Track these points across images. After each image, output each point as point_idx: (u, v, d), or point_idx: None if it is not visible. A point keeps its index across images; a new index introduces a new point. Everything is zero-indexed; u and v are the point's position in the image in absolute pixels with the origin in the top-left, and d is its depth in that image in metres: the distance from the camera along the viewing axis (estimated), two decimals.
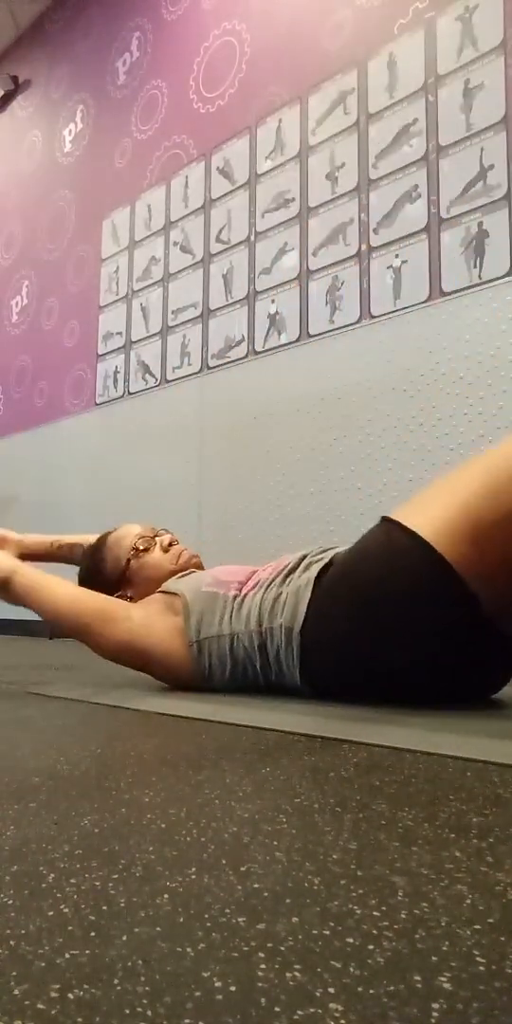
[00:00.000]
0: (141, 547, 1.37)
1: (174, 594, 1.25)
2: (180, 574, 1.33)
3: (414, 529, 0.98)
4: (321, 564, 1.12)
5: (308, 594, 1.09)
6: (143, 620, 1.21)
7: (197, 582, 1.24)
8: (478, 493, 0.95)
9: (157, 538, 1.41)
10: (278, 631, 1.11)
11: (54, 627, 1.23)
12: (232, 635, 1.16)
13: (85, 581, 1.39)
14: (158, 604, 1.25)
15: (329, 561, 1.13)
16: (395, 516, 1.03)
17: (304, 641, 1.07)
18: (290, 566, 1.18)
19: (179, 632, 1.20)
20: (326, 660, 1.07)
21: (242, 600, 1.18)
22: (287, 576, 1.16)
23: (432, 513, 0.98)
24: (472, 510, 0.94)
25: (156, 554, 1.38)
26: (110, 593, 1.33)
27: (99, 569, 1.39)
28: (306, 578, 1.11)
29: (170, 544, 1.40)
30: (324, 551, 1.19)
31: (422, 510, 1.00)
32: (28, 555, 1.48)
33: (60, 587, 1.23)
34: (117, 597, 1.33)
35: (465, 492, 0.96)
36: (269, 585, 1.17)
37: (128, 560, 1.37)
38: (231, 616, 1.17)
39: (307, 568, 1.15)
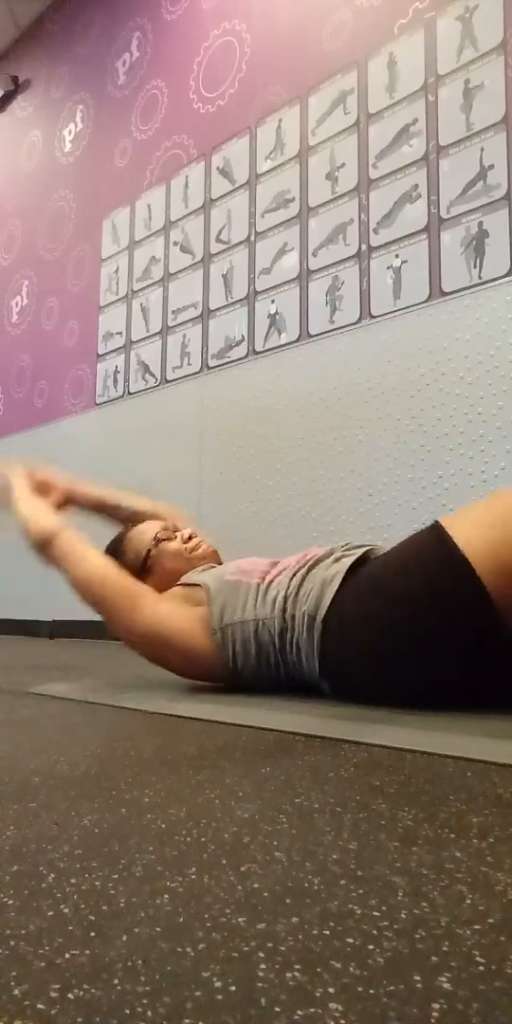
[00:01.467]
0: (162, 537, 1.39)
1: (196, 585, 1.25)
2: (200, 568, 1.33)
3: (463, 546, 0.96)
4: (354, 558, 1.11)
5: (335, 585, 1.08)
6: (168, 609, 1.21)
7: (220, 572, 1.25)
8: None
9: (177, 532, 1.43)
10: (301, 618, 1.10)
11: (80, 597, 1.24)
12: (256, 620, 1.16)
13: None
14: (180, 597, 1.26)
15: (362, 556, 1.13)
16: (449, 525, 1.00)
17: (325, 631, 1.07)
18: (317, 557, 1.18)
19: (202, 621, 1.19)
20: (345, 656, 1.06)
21: (267, 587, 1.18)
22: (314, 566, 1.16)
23: (483, 536, 0.96)
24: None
25: (176, 544, 1.40)
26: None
27: (119, 560, 1.39)
28: (336, 570, 1.11)
29: (190, 537, 1.42)
30: (355, 547, 1.18)
31: (475, 528, 0.98)
32: (74, 503, 1.48)
33: (96, 561, 1.23)
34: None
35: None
36: (295, 573, 1.17)
37: (149, 550, 1.38)
38: (256, 602, 1.17)
39: (337, 560, 1.14)
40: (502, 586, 0.93)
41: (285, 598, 1.14)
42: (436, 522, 1.03)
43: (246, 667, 1.18)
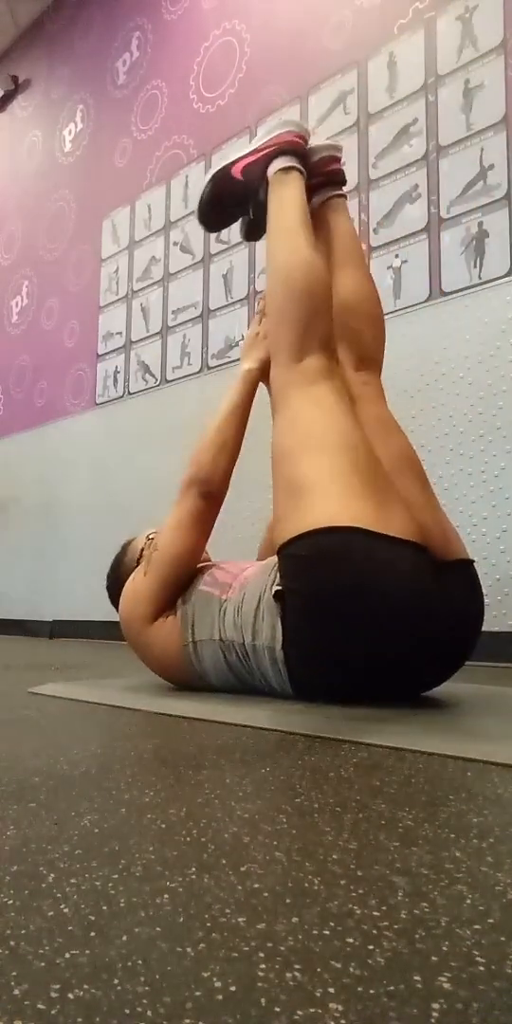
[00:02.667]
0: (152, 536, 1.40)
1: None
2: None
3: (305, 529, 1.00)
4: (277, 586, 1.08)
5: (279, 616, 1.06)
6: (154, 620, 1.23)
7: (198, 578, 1.25)
8: (317, 467, 1.03)
9: None
10: (262, 650, 1.09)
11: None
12: (222, 641, 1.16)
13: (110, 578, 1.43)
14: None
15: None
16: (285, 538, 1.04)
17: (288, 656, 1.06)
18: (268, 573, 1.13)
19: (175, 630, 1.20)
20: (313, 670, 1.06)
21: (227, 607, 1.16)
22: (264, 584, 1.12)
23: (306, 511, 1.02)
24: (330, 480, 1.01)
25: None
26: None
27: (117, 564, 1.43)
28: (276, 591, 1.08)
29: None
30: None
31: (298, 516, 1.03)
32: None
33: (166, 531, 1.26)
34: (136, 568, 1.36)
35: (311, 475, 1.03)
36: (245, 597, 1.14)
37: (142, 550, 1.40)
38: (222, 621, 1.16)
39: (276, 574, 1.10)
40: (346, 514, 0.98)
41: (243, 625, 1.12)
42: (278, 551, 1.07)
43: (218, 679, 1.19)
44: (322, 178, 1.38)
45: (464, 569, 1.06)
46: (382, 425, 1.17)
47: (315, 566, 1.01)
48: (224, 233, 2.95)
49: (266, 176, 1.33)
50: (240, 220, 1.54)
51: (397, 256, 2.32)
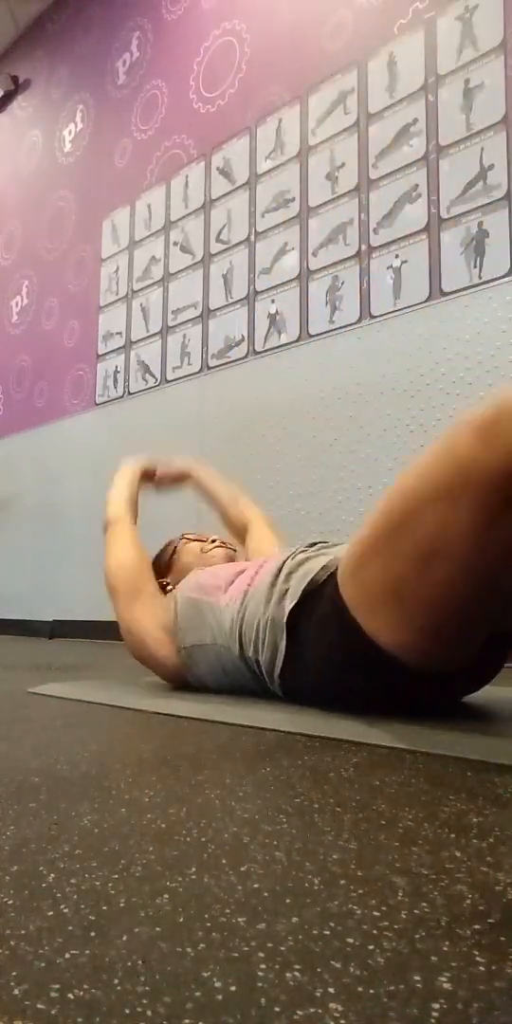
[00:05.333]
0: (190, 537, 1.47)
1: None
2: (192, 573, 1.33)
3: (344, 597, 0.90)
4: (296, 593, 1.01)
5: (284, 641, 1.02)
6: (148, 616, 1.25)
7: (186, 584, 1.25)
8: (373, 559, 0.85)
9: (204, 535, 1.50)
10: (262, 664, 1.08)
11: (106, 584, 1.34)
12: (217, 646, 1.15)
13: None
14: (168, 601, 1.27)
15: (301, 597, 1.01)
16: (345, 580, 0.91)
17: (284, 677, 1.05)
18: (271, 575, 1.10)
19: (170, 639, 1.22)
20: (310, 699, 1.03)
21: (224, 611, 1.15)
22: (266, 596, 1.08)
23: (353, 581, 0.89)
24: (378, 578, 0.84)
25: (193, 545, 1.46)
26: (158, 579, 1.40)
27: (158, 558, 1.47)
28: (280, 615, 1.03)
29: (212, 541, 1.47)
30: (307, 554, 1.11)
31: (351, 572, 0.90)
32: (203, 491, 1.59)
33: (122, 553, 1.32)
34: (159, 582, 1.38)
35: (367, 560, 0.86)
36: (248, 606, 1.11)
37: (175, 546, 1.46)
38: (217, 627, 1.15)
39: (283, 593, 1.05)
40: (374, 625, 0.86)
41: (242, 635, 1.10)
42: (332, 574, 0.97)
43: (215, 682, 1.19)
44: None
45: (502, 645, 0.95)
46: None
47: (343, 643, 0.91)
48: (224, 233, 2.95)
49: None
50: None
51: (397, 256, 2.32)
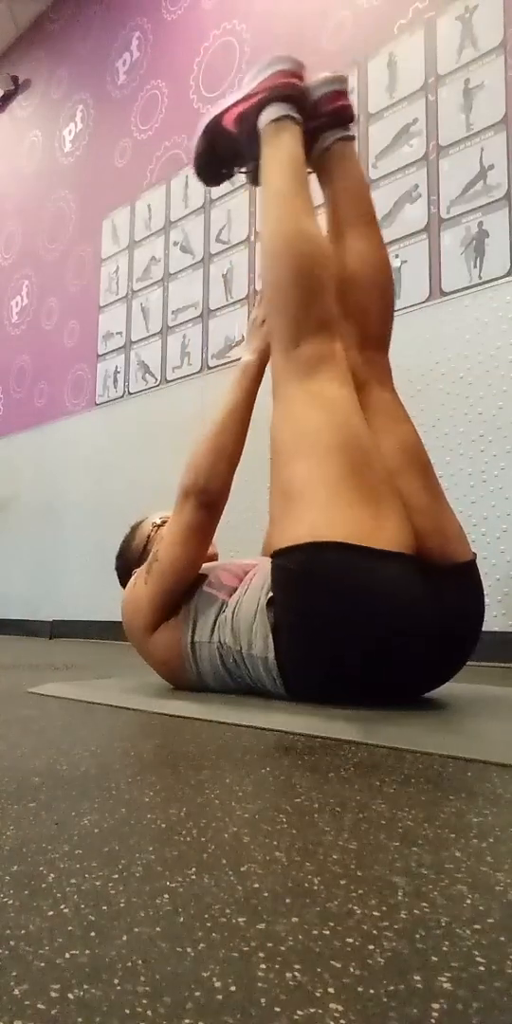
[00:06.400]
0: (159, 523, 1.42)
1: None
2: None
3: (294, 542, 0.99)
4: (268, 593, 1.07)
5: (270, 626, 1.05)
6: (156, 628, 1.23)
7: (201, 579, 1.24)
8: (307, 473, 0.99)
9: None
10: (256, 659, 1.09)
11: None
12: (221, 644, 1.16)
13: (118, 560, 1.44)
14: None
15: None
16: (276, 547, 1.03)
17: (281, 666, 1.06)
18: (265, 579, 1.12)
19: (177, 630, 1.20)
20: (307, 680, 1.05)
21: (226, 611, 1.16)
22: (259, 593, 1.11)
23: (294, 522, 1.00)
24: (319, 487, 0.98)
25: None
26: (133, 569, 1.37)
27: (126, 548, 1.44)
28: (269, 600, 1.07)
29: None
30: None
31: (284, 526, 1.02)
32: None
33: (199, 549, 1.20)
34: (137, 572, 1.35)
35: (301, 481, 1.00)
36: (242, 603, 1.13)
37: (149, 536, 1.41)
38: (220, 626, 1.16)
39: (270, 584, 1.10)
40: (345, 522, 0.96)
41: (240, 632, 1.11)
42: (271, 557, 1.06)
43: (216, 681, 1.19)
44: (325, 119, 1.19)
45: (462, 572, 1.04)
46: (387, 413, 1.11)
47: (300, 583, 0.99)
48: (224, 233, 2.95)
49: (257, 129, 1.17)
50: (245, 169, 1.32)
51: (397, 256, 2.32)
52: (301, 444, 1.03)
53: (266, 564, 1.15)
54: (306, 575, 0.98)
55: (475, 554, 1.07)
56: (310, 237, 1.08)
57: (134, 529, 1.46)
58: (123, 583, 1.39)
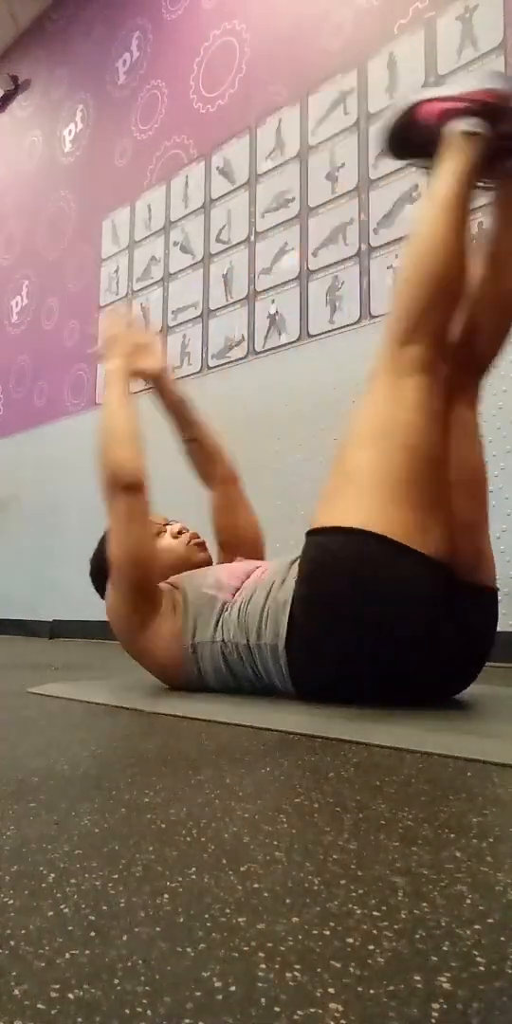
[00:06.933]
0: (154, 532, 1.38)
1: (177, 588, 1.26)
2: (192, 572, 1.32)
3: (341, 524, 1.01)
4: (294, 579, 1.10)
5: (287, 612, 1.07)
6: (152, 625, 1.22)
7: (201, 580, 1.24)
8: (374, 464, 1.01)
9: (167, 526, 1.44)
10: (265, 649, 1.10)
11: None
12: (224, 643, 1.16)
13: (97, 568, 1.39)
14: (165, 602, 1.25)
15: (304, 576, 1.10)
16: (319, 524, 1.05)
17: (291, 656, 1.07)
18: (277, 574, 1.16)
19: (176, 633, 1.20)
20: (315, 672, 1.06)
21: (231, 609, 1.17)
22: (270, 588, 1.14)
23: (348, 504, 1.02)
24: (380, 482, 1.00)
25: (168, 539, 1.40)
26: None
27: (102, 556, 1.38)
28: (284, 594, 1.10)
29: (180, 532, 1.42)
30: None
31: (337, 506, 1.04)
32: (167, 403, 1.56)
33: (140, 542, 1.20)
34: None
35: (362, 471, 1.02)
36: (252, 597, 1.15)
37: None
38: (223, 624, 1.17)
39: (285, 577, 1.13)
40: (393, 521, 0.97)
41: (248, 625, 1.13)
42: (310, 531, 1.08)
43: (218, 681, 1.19)
44: None
45: (485, 596, 1.06)
46: (464, 429, 1.14)
47: (330, 563, 1.02)
48: (224, 233, 2.95)
49: (445, 128, 1.17)
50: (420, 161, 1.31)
51: (397, 256, 2.32)
52: (377, 435, 1.05)
53: (282, 562, 1.18)
54: (341, 558, 1.01)
55: (498, 588, 1.09)
56: (456, 252, 1.11)
57: (104, 541, 1.41)
58: (100, 591, 1.35)
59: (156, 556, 1.25)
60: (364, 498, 1.01)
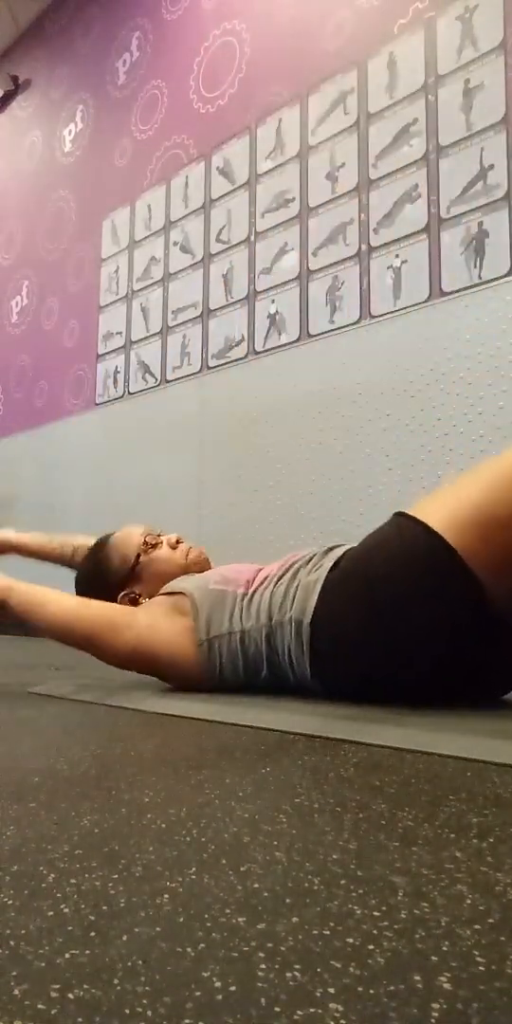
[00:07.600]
0: (151, 543, 1.38)
1: (180, 593, 1.24)
2: (184, 576, 1.33)
3: (423, 519, 1.00)
4: (333, 560, 1.12)
5: (319, 588, 1.09)
6: (149, 624, 1.20)
7: (204, 580, 1.24)
8: (485, 491, 0.98)
9: (162, 536, 1.42)
10: (288, 624, 1.10)
11: (60, 640, 1.23)
12: (242, 632, 1.16)
13: (86, 584, 1.39)
14: (163, 606, 1.24)
15: (341, 556, 1.13)
16: (408, 511, 1.06)
17: (314, 633, 1.07)
18: (299, 563, 1.18)
19: (188, 632, 1.18)
20: (336, 654, 1.07)
21: (251, 597, 1.18)
22: (297, 572, 1.16)
23: (441, 508, 1.01)
24: (480, 506, 0.97)
25: (165, 550, 1.39)
26: (115, 593, 1.35)
27: (103, 569, 1.38)
28: (317, 575, 1.11)
29: (177, 542, 1.42)
30: (332, 549, 1.18)
31: (433, 505, 1.03)
32: (29, 554, 1.49)
33: (60, 601, 1.24)
34: (123, 595, 1.35)
35: (473, 489, 1.00)
36: (278, 580, 1.17)
37: (138, 556, 1.36)
38: (241, 613, 1.17)
39: (317, 566, 1.14)
40: (469, 545, 0.96)
41: (270, 606, 1.14)
42: (397, 512, 1.08)
43: (233, 676, 1.19)
44: None
45: None
46: None
47: (394, 540, 1.03)
48: (224, 233, 2.95)
49: None
50: None
51: (397, 256, 2.32)
52: (496, 477, 1.01)
53: (294, 557, 1.20)
54: (405, 543, 1.01)
55: None
56: None
57: (109, 547, 1.40)
58: (79, 591, 1.35)
59: (91, 607, 1.24)
60: (461, 514, 0.99)
